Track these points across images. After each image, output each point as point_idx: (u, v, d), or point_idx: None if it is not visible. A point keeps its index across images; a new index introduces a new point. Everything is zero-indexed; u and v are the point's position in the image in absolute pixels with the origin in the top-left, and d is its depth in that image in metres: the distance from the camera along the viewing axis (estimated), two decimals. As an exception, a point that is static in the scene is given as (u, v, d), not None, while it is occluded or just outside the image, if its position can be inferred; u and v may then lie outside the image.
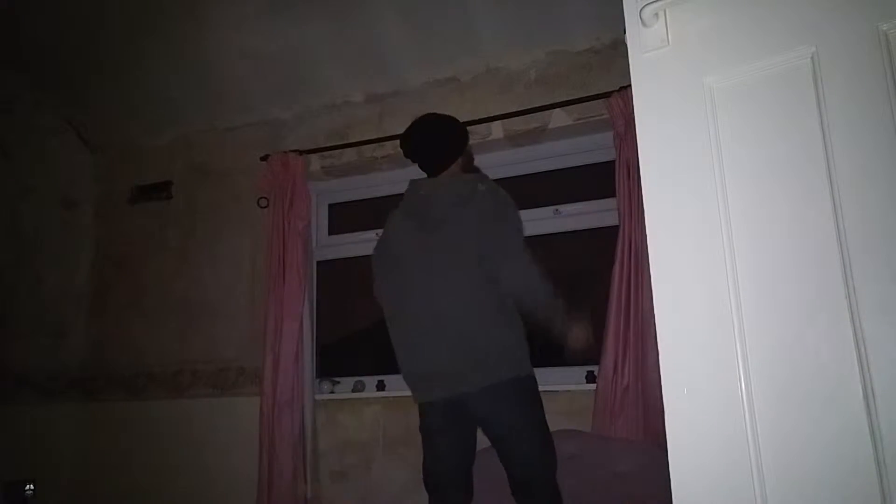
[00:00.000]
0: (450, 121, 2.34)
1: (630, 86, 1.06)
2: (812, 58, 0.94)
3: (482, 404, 2.04)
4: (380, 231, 3.31)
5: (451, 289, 2.07)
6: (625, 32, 1.07)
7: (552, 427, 2.12)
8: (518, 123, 2.98)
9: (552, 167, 3.12)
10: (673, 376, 0.95)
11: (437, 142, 2.30)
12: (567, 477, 2.12)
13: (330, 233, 3.50)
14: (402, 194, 2.31)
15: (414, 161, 2.34)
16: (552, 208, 3.06)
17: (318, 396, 3.22)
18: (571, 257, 3.07)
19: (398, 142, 3.13)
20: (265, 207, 3.34)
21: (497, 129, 3.03)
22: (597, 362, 2.66)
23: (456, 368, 2.04)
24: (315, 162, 3.35)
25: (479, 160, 2.69)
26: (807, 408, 0.88)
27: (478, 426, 2.15)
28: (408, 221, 2.26)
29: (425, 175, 2.31)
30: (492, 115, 3.00)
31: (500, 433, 2.07)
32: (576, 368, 2.86)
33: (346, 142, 3.28)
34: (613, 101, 2.72)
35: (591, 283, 2.86)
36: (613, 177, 2.73)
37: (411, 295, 2.16)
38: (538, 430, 2.07)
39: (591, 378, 2.76)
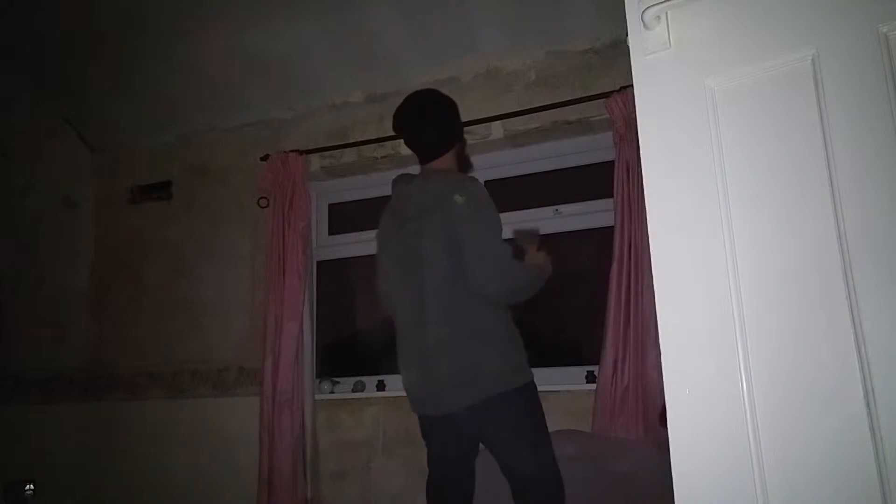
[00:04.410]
0: (451, 101, 2.16)
1: (630, 86, 1.07)
2: (813, 59, 0.94)
3: (470, 421, 1.97)
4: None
5: (432, 299, 1.94)
6: (626, 34, 1.08)
7: (552, 427, 2.10)
8: (518, 123, 2.98)
9: (552, 167, 3.12)
10: (675, 377, 0.95)
11: (436, 118, 2.10)
12: (567, 478, 2.11)
13: (330, 233, 3.51)
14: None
15: (405, 138, 2.15)
16: (552, 208, 3.07)
17: (318, 396, 3.22)
18: (571, 257, 3.07)
19: (398, 141, 3.17)
20: (265, 207, 3.34)
21: (497, 129, 3.03)
22: (597, 362, 2.67)
23: (441, 387, 1.96)
24: (315, 162, 3.35)
25: (478, 160, 2.70)
26: (807, 407, 0.88)
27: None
28: (390, 220, 2.15)
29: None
30: (492, 115, 3.00)
31: (492, 445, 2.01)
32: (576, 368, 2.87)
33: (346, 142, 3.29)
34: (613, 101, 2.72)
35: (592, 282, 2.85)
36: (613, 177, 2.73)
37: (400, 304, 2.06)
38: (530, 437, 1.97)
39: (591, 378, 2.76)
